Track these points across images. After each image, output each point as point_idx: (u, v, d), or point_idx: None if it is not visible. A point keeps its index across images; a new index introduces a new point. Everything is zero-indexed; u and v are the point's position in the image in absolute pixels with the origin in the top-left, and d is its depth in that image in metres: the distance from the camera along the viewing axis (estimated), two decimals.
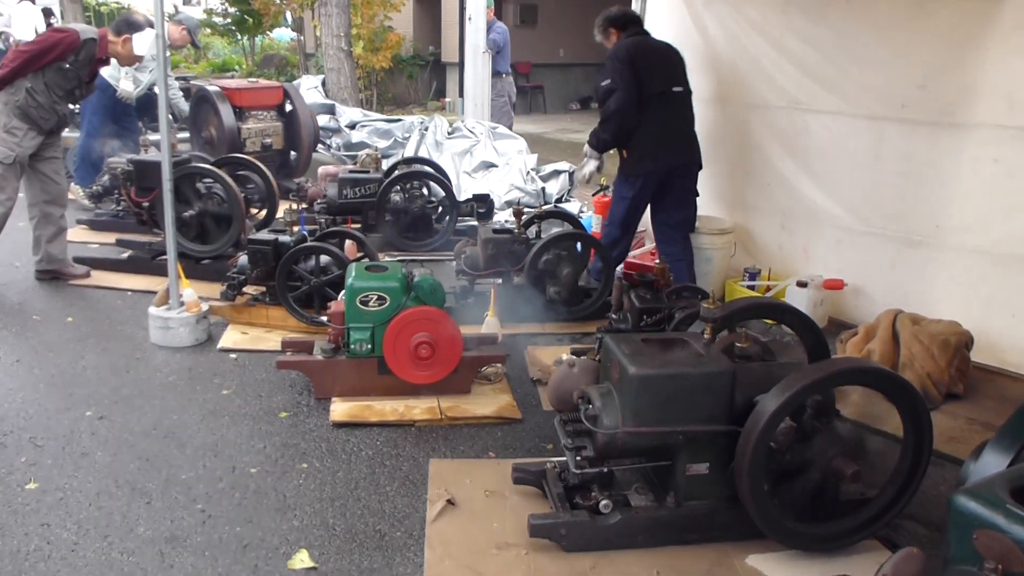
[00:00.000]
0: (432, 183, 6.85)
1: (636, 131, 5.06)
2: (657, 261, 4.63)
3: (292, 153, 8.58)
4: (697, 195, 5.38)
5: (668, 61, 5.24)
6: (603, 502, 2.91)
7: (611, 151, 5.45)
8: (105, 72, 6.95)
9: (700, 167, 5.35)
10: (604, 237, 5.47)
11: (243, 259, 5.08)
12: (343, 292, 4.08)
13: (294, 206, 5.50)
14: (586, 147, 5.44)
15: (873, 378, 2.90)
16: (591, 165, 5.44)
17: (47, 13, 12.91)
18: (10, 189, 5.42)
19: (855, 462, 2.80)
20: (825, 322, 5.08)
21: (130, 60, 5.64)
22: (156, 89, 4.62)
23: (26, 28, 10.13)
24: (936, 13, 4.55)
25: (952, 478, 3.31)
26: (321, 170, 7.36)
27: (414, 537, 3.01)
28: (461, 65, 12.58)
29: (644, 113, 5.03)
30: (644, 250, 6.26)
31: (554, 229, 5.65)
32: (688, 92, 5.27)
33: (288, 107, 8.48)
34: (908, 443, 2.87)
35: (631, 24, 5.39)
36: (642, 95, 5.00)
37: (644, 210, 5.42)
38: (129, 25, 5.41)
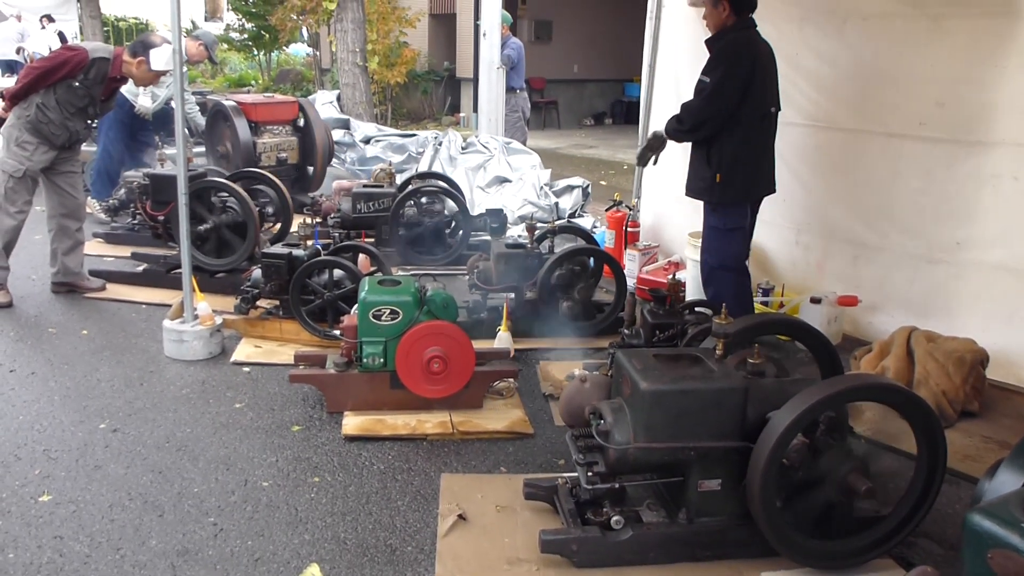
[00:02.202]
0: (446, 198, 6.87)
1: (739, 151, 4.47)
2: (670, 277, 4.62)
3: (307, 168, 8.63)
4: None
5: (774, 75, 4.68)
6: (615, 518, 2.89)
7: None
8: (123, 87, 7.02)
9: None
10: (728, 286, 4.65)
11: (257, 273, 5.10)
12: (356, 306, 4.09)
13: (308, 220, 5.54)
14: (662, 132, 4.86)
15: (887, 395, 2.88)
16: (654, 150, 5.02)
17: (61, 37, 13.13)
18: (21, 202, 5.48)
19: (868, 479, 2.78)
20: (839, 339, 5.06)
21: (145, 81, 5.69)
22: (173, 104, 4.66)
23: (41, 46, 10.29)
24: (954, 31, 4.55)
25: (967, 496, 3.28)
26: (335, 184, 7.40)
27: (425, 552, 3.01)
28: (475, 80, 12.65)
29: (747, 132, 4.48)
30: (657, 265, 6.25)
31: (567, 244, 5.65)
32: (779, 110, 4.72)
33: (303, 122, 8.53)
34: (922, 461, 2.84)
35: (751, 8, 4.58)
36: (748, 111, 4.44)
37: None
38: (145, 47, 5.46)
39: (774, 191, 4.81)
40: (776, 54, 5.42)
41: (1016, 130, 4.35)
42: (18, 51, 13.42)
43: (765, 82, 4.50)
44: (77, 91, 5.34)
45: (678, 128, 4.63)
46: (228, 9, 22.37)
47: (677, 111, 4.68)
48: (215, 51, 8.34)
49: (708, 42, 4.61)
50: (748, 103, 4.41)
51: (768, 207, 5.69)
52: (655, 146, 5.03)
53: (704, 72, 4.49)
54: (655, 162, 5.15)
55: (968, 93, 4.52)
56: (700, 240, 5.52)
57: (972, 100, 4.52)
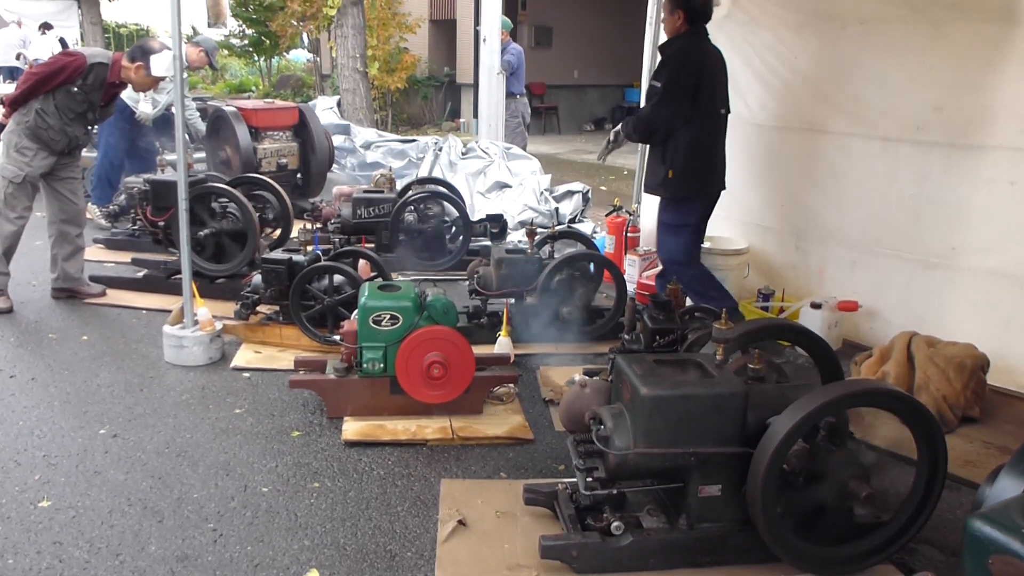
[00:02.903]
0: (446, 203, 6.88)
1: (690, 150, 4.74)
2: (670, 282, 4.62)
3: (307, 173, 8.64)
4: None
5: (724, 79, 4.96)
6: (615, 524, 2.89)
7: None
8: (123, 94, 7.02)
9: None
10: (684, 279, 4.85)
11: (257, 278, 5.10)
12: (356, 311, 4.09)
13: (308, 226, 5.54)
14: (620, 131, 5.15)
15: (887, 400, 2.88)
16: (617, 147, 5.33)
17: (63, 43, 13.19)
18: (21, 207, 5.48)
19: (869, 484, 2.78)
20: (839, 344, 5.05)
21: (144, 86, 5.69)
22: (173, 110, 4.67)
23: (43, 52, 10.32)
24: (952, 35, 4.55)
25: (968, 502, 3.27)
26: (336, 190, 7.40)
27: (425, 558, 3.00)
28: (476, 86, 12.66)
29: (698, 131, 4.75)
30: (657, 270, 6.24)
31: (567, 249, 5.65)
32: (729, 112, 5.01)
33: (304, 127, 8.55)
34: (923, 466, 2.84)
35: (704, 19, 4.86)
36: (698, 112, 4.71)
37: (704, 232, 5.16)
38: (144, 52, 5.46)
39: (724, 188, 5.05)
40: (775, 59, 5.47)
41: (1013, 135, 4.36)
42: (18, 57, 13.44)
43: (713, 86, 4.80)
44: (76, 96, 5.35)
45: (632, 133, 5.01)
46: (229, 15, 22.40)
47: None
48: (215, 57, 8.36)
49: (660, 47, 5.00)
50: (697, 104, 4.70)
51: (767, 212, 5.72)
52: (616, 143, 5.32)
53: (654, 77, 4.85)
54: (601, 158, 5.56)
55: (966, 98, 4.53)
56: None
57: (969, 105, 4.52)
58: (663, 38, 6.35)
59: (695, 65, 4.71)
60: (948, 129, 4.63)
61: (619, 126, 5.19)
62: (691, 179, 4.82)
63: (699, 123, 4.76)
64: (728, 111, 4.96)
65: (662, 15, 5.05)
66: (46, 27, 16.01)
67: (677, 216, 4.94)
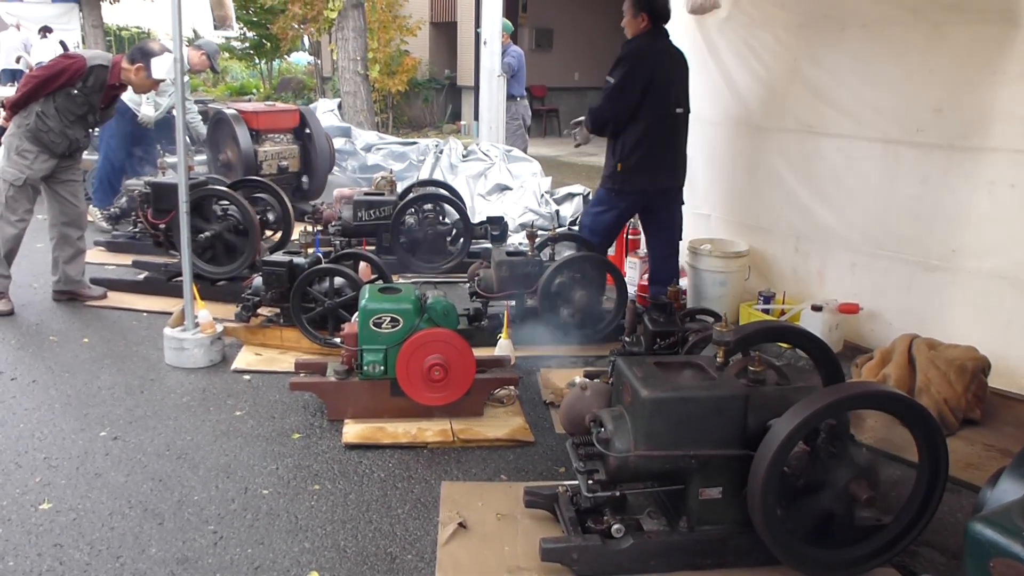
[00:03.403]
0: (446, 205, 6.88)
1: (637, 145, 5.01)
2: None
3: (308, 176, 8.64)
4: (683, 203, 5.46)
5: (682, 79, 5.19)
6: (615, 526, 2.88)
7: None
8: (125, 96, 7.03)
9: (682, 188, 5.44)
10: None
11: (258, 281, 5.11)
12: (356, 314, 4.09)
13: (309, 228, 5.54)
14: (584, 124, 5.39)
15: (888, 403, 2.87)
16: (584, 136, 5.49)
17: (63, 46, 13.20)
18: (22, 210, 5.49)
19: (870, 487, 2.77)
20: (840, 346, 5.05)
21: (144, 88, 5.70)
22: (175, 112, 4.68)
23: (44, 56, 10.35)
24: (952, 37, 4.55)
25: (969, 505, 3.27)
26: (336, 192, 7.41)
27: (425, 560, 3.00)
28: (476, 88, 12.67)
29: (647, 128, 4.98)
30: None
31: (568, 252, 5.65)
32: (689, 112, 5.24)
33: (305, 130, 8.56)
34: (924, 469, 2.84)
35: (665, 20, 5.10)
36: (648, 110, 4.95)
37: (626, 223, 5.62)
38: (144, 54, 5.47)
39: (681, 184, 5.37)
40: (775, 61, 5.47)
41: (1014, 137, 4.35)
42: (18, 60, 13.46)
43: (667, 85, 5.01)
44: (76, 99, 5.35)
45: (588, 124, 5.26)
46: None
47: None
48: (216, 60, 8.37)
49: (622, 46, 5.16)
50: (649, 102, 4.94)
51: (766, 214, 5.72)
52: (583, 135, 5.53)
53: (610, 72, 5.05)
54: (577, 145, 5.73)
55: (966, 99, 4.53)
56: (701, 247, 5.56)
57: (970, 107, 4.52)
58: None
59: (649, 65, 4.94)
60: (948, 131, 4.62)
61: (584, 122, 5.44)
62: (637, 174, 5.08)
63: (649, 121, 4.99)
64: (687, 110, 5.19)
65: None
66: (46, 31, 16.03)
67: (610, 201, 5.27)
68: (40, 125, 5.32)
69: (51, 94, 5.32)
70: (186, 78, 5.38)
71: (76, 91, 5.34)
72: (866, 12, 4.95)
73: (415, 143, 10.59)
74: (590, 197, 8.71)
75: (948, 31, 4.56)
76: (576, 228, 7.91)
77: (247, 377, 4.66)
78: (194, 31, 20.19)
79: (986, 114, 4.45)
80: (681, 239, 5.48)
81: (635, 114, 4.97)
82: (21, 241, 5.59)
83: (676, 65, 5.13)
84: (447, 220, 6.86)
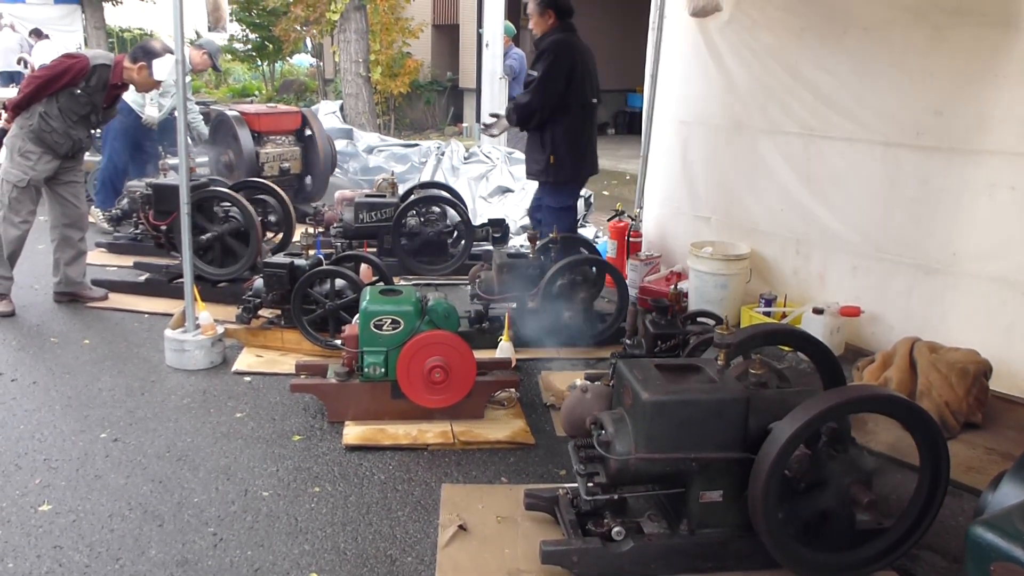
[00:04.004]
0: (448, 208, 6.88)
1: (567, 135, 5.26)
2: (672, 287, 4.62)
3: (309, 177, 8.65)
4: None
5: (594, 70, 5.48)
6: (615, 529, 2.88)
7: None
8: (128, 97, 7.04)
9: None
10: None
11: (259, 282, 5.11)
12: (357, 316, 4.09)
13: (311, 230, 5.54)
14: (505, 113, 5.56)
15: (890, 406, 2.87)
16: (503, 128, 5.69)
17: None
18: (25, 212, 5.49)
19: (871, 490, 2.77)
20: (842, 349, 5.04)
21: (146, 87, 5.71)
22: (177, 113, 4.69)
23: (44, 57, 10.37)
24: (953, 40, 4.54)
25: (970, 508, 3.27)
26: (338, 194, 7.41)
27: (425, 563, 2.99)
28: (478, 91, 12.67)
29: (573, 118, 5.22)
30: (659, 275, 6.25)
31: (569, 254, 5.64)
32: (599, 103, 5.57)
33: (306, 132, 8.56)
34: (925, 472, 2.83)
35: (569, 15, 5.36)
36: (573, 100, 5.20)
37: None
38: (146, 53, 5.48)
39: (596, 172, 5.73)
40: (776, 64, 5.47)
41: (1014, 140, 4.34)
42: (19, 61, 13.47)
43: (584, 76, 5.29)
44: (79, 99, 5.35)
45: (512, 118, 5.40)
46: (232, 19, 22.43)
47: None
48: (218, 59, 8.38)
49: (536, 43, 5.38)
50: (572, 93, 5.20)
51: (767, 216, 5.72)
52: (501, 126, 5.80)
53: (532, 67, 5.26)
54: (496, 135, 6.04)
55: (967, 102, 4.52)
56: (702, 250, 5.56)
57: (970, 109, 4.51)
58: (666, 43, 6.45)
59: (570, 55, 5.17)
60: (949, 134, 4.62)
61: (503, 110, 5.64)
62: (570, 164, 5.37)
63: (574, 111, 5.28)
64: (599, 100, 5.54)
65: (530, 17, 5.48)
66: (37, 34, 16.02)
67: (561, 199, 5.48)
68: (43, 126, 5.32)
69: (54, 94, 5.32)
70: (188, 78, 5.38)
71: (79, 91, 5.34)
72: (867, 15, 4.95)
73: (417, 145, 10.59)
74: (592, 200, 8.71)
75: (949, 34, 4.56)
76: (577, 231, 7.95)
77: (248, 379, 4.66)
78: (196, 32, 20.24)
79: (986, 117, 4.45)
80: None
81: (562, 104, 5.21)
82: (24, 243, 5.59)
83: (589, 57, 5.40)
84: (448, 222, 6.86)
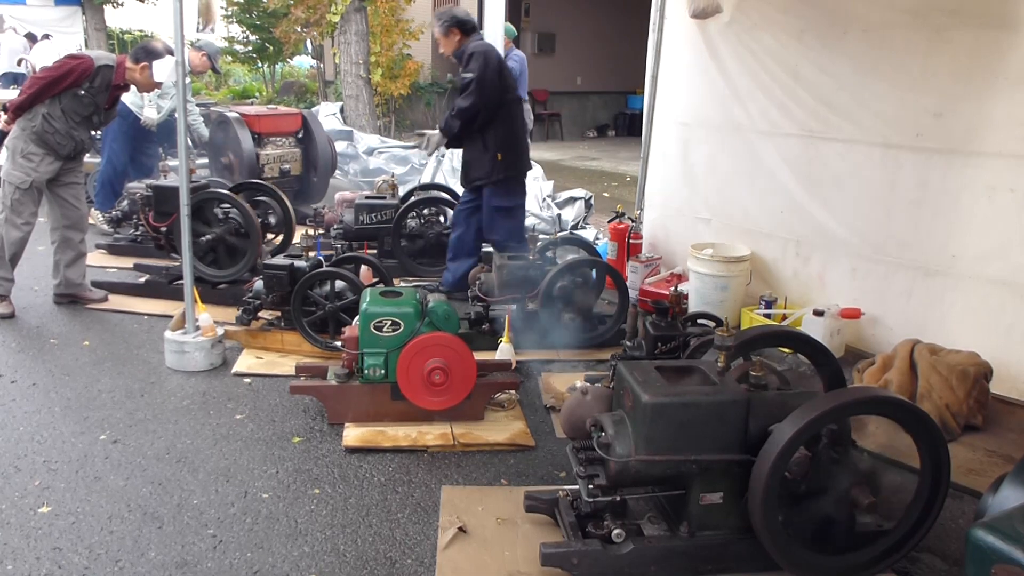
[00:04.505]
0: (448, 209, 6.87)
1: (508, 132, 5.44)
2: (672, 289, 4.62)
3: (309, 179, 8.65)
4: None
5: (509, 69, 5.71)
6: (616, 531, 2.88)
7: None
8: (127, 99, 7.04)
9: None
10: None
11: (259, 284, 5.11)
12: (357, 317, 4.09)
13: (311, 232, 5.54)
14: (440, 126, 5.62)
15: (890, 408, 2.87)
16: (438, 142, 5.68)
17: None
18: (27, 213, 5.49)
19: (871, 493, 2.76)
20: (842, 351, 5.04)
21: (148, 87, 5.71)
22: (177, 115, 4.69)
23: (46, 59, 10.37)
24: (953, 42, 4.54)
25: (970, 511, 3.26)
26: (338, 196, 7.41)
27: (425, 565, 2.99)
28: None
29: (511, 116, 5.41)
30: (659, 277, 6.25)
31: (569, 256, 5.65)
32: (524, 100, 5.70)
33: (307, 134, 8.56)
34: (926, 475, 2.83)
35: (475, 31, 5.63)
36: (506, 98, 5.40)
37: None
38: (147, 53, 5.49)
39: (531, 167, 5.86)
40: (776, 65, 5.48)
41: (1013, 141, 4.34)
42: (20, 63, 13.46)
43: (510, 75, 5.53)
44: (83, 100, 5.36)
45: (452, 125, 5.44)
46: (232, 21, 22.43)
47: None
48: (218, 61, 8.38)
49: (456, 57, 5.57)
50: (506, 90, 5.39)
51: (767, 218, 5.72)
52: (438, 143, 5.80)
53: (463, 71, 5.35)
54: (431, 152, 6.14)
55: (966, 104, 4.52)
56: (703, 252, 5.55)
57: (970, 111, 4.51)
58: (666, 45, 6.46)
59: (495, 55, 5.36)
60: (948, 136, 4.62)
61: (437, 130, 5.67)
62: (515, 159, 5.49)
63: (509, 108, 5.47)
64: (524, 99, 5.68)
65: (439, 41, 5.67)
66: (31, 39, 16.00)
67: (512, 197, 5.53)
68: (46, 127, 5.32)
69: (57, 95, 5.32)
70: (187, 80, 5.38)
71: (83, 91, 5.34)
72: (867, 17, 4.95)
73: (417, 147, 10.59)
74: (592, 202, 8.72)
75: (949, 36, 4.56)
76: (578, 232, 7.95)
77: (248, 380, 4.65)
78: (192, 42, 20.25)
79: (986, 119, 4.44)
80: None
81: (501, 101, 5.39)
82: (26, 244, 5.59)
83: (503, 59, 5.64)
84: (449, 224, 6.85)
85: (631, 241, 6.55)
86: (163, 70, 5.45)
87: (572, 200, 8.71)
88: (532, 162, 5.68)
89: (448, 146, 5.77)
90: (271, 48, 21.28)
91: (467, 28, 5.56)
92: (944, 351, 4.31)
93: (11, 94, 9.10)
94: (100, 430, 3.99)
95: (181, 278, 5.12)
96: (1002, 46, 4.34)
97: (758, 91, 5.67)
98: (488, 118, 5.41)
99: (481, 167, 5.54)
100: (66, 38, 16.99)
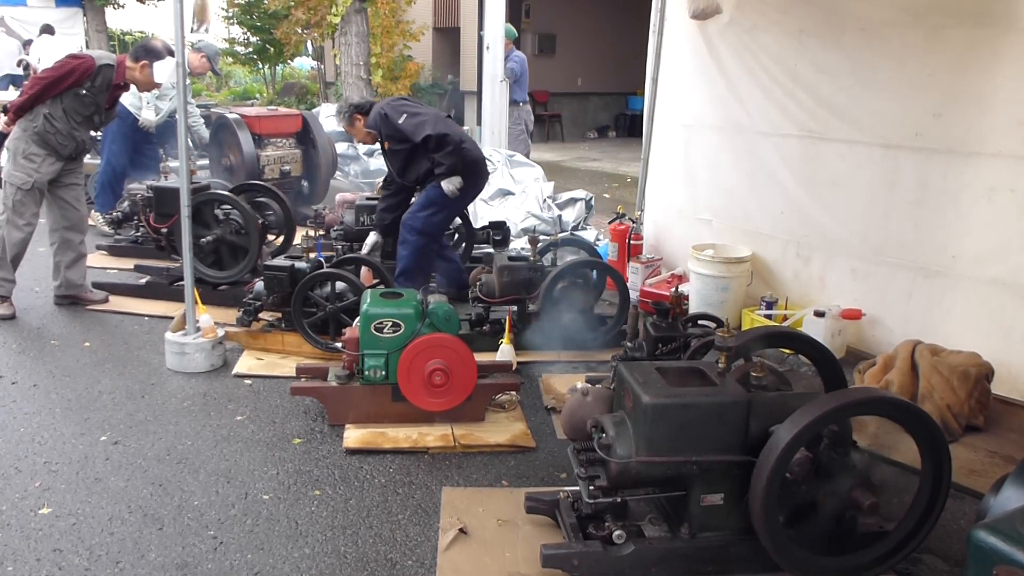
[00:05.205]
0: None
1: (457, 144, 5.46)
2: (673, 290, 4.61)
3: (310, 180, 8.65)
4: None
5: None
6: (616, 532, 2.87)
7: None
8: (125, 100, 7.04)
9: None
10: (414, 249, 5.54)
11: (259, 285, 5.10)
12: (358, 318, 4.09)
13: (311, 233, 5.53)
14: (444, 172, 5.51)
15: (891, 409, 2.86)
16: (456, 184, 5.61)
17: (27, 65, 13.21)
18: (29, 214, 5.49)
19: (872, 494, 2.76)
20: (843, 352, 5.03)
21: (148, 86, 5.72)
22: (176, 116, 4.70)
23: (50, 55, 10.35)
24: (951, 41, 4.54)
25: (972, 512, 3.25)
26: (338, 197, 7.39)
27: (426, 566, 2.99)
28: (479, 93, 12.65)
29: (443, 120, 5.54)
30: (660, 278, 6.25)
31: (570, 257, 5.64)
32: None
33: (307, 135, 8.56)
34: (927, 476, 2.82)
35: (372, 107, 5.76)
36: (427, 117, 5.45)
37: None
38: (147, 51, 5.49)
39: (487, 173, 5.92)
40: (775, 66, 5.48)
41: (1013, 142, 4.33)
42: (19, 63, 13.46)
43: (409, 105, 5.65)
44: (84, 99, 5.36)
45: (452, 166, 5.39)
46: (233, 23, 22.43)
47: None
48: (217, 63, 8.38)
49: (368, 136, 5.81)
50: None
51: (767, 219, 5.71)
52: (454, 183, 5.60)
53: (393, 131, 5.47)
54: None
55: (965, 104, 4.51)
56: (703, 253, 5.55)
57: (969, 111, 4.51)
58: (666, 46, 6.46)
59: (393, 108, 5.50)
60: (948, 136, 4.61)
61: (447, 183, 5.50)
62: (464, 169, 5.46)
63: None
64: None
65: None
66: (46, 30, 16.00)
67: (445, 198, 5.49)
68: (47, 127, 5.32)
69: (59, 95, 5.32)
70: (187, 81, 5.38)
71: (84, 91, 5.34)
72: (865, 16, 4.95)
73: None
74: (593, 203, 8.71)
75: (947, 35, 4.56)
76: (578, 233, 7.95)
77: (248, 382, 4.65)
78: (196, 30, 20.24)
79: (985, 119, 4.44)
80: None
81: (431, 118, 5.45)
82: (27, 246, 5.59)
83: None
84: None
85: (632, 242, 6.54)
86: (164, 71, 5.46)
87: (573, 201, 8.69)
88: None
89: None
90: (272, 49, 21.31)
91: (365, 109, 5.78)
92: (945, 352, 4.31)
93: (10, 96, 9.10)
94: (101, 431, 3.99)
95: (182, 279, 5.12)
96: (1001, 45, 4.33)
97: (758, 92, 5.67)
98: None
99: (429, 171, 5.57)
100: (67, 39, 16.99)
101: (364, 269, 5.31)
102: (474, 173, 5.57)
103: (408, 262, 5.52)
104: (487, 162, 5.82)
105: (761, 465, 2.66)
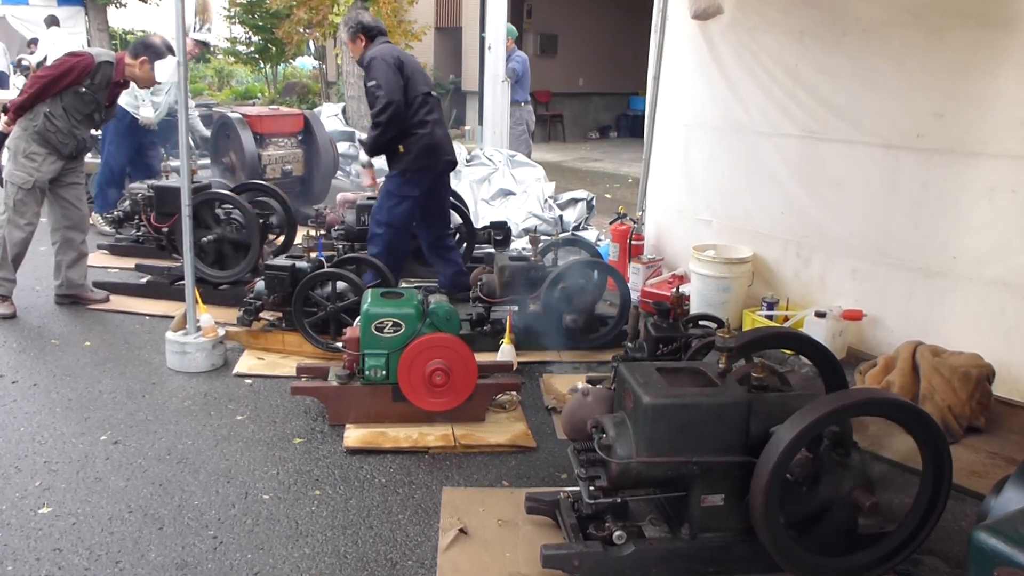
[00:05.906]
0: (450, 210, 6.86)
1: (411, 128, 5.40)
2: (673, 290, 4.61)
3: (311, 180, 8.65)
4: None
5: (421, 67, 5.71)
6: (617, 533, 2.87)
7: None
8: (122, 100, 7.04)
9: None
10: (383, 243, 5.54)
11: (260, 285, 5.10)
12: (359, 318, 4.08)
13: (312, 232, 5.53)
14: (363, 158, 5.66)
15: (892, 409, 2.86)
16: (366, 165, 5.75)
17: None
18: (30, 214, 5.49)
19: (873, 494, 2.76)
20: (844, 353, 5.02)
21: (148, 82, 5.72)
22: (178, 114, 4.70)
23: (52, 48, 10.37)
24: (953, 42, 4.53)
25: (973, 513, 3.25)
26: (340, 197, 7.40)
27: (426, 566, 2.99)
28: (481, 93, 12.65)
29: (416, 112, 5.41)
30: (661, 279, 6.24)
31: (571, 257, 5.64)
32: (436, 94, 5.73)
33: (309, 134, 8.57)
34: (928, 477, 2.82)
35: (380, 36, 5.61)
36: (409, 96, 5.37)
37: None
38: (146, 48, 5.50)
39: (456, 162, 5.90)
40: (776, 67, 5.47)
41: (1014, 142, 4.32)
42: (19, 63, 13.48)
43: (415, 70, 5.52)
44: (84, 97, 5.36)
45: (379, 137, 5.39)
46: (235, 22, 22.45)
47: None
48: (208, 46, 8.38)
49: (359, 63, 5.62)
50: (408, 89, 5.38)
51: (768, 219, 5.70)
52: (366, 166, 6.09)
53: (367, 80, 5.39)
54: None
55: (966, 105, 4.50)
56: (704, 253, 5.55)
57: (970, 112, 4.49)
58: (668, 46, 6.45)
59: (391, 57, 5.35)
60: (949, 136, 4.60)
61: (363, 157, 5.76)
62: (416, 152, 5.41)
63: (408, 104, 5.40)
64: (435, 93, 5.71)
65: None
66: (52, 21, 16.01)
67: (402, 188, 5.49)
68: (48, 126, 5.32)
69: (59, 93, 5.32)
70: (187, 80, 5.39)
71: (84, 89, 5.34)
72: (867, 17, 4.94)
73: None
74: (594, 203, 8.72)
75: (948, 36, 4.55)
76: (580, 233, 7.95)
77: (249, 381, 4.65)
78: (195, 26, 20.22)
79: (986, 119, 4.43)
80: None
81: (405, 99, 5.36)
82: (28, 245, 5.59)
83: (410, 59, 5.59)
84: (450, 225, 6.84)
85: (633, 242, 6.55)
86: (165, 70, 5.46)
87: (574, 201, 8.70)
88: (440, 152, 5.61)
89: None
90: (273, 49, 21.35)
91: (372, 34, 5.57)
92: (946, 353, 4.30)
93: (10, 95, 9.11)
94: (101, 431, 3.99)
95: (183, 279, 5.12)
96: (1002, 45, 4.32)
97: (758, 92, 5.66)
98: (402, 117, 5.36)
99: (389, 156, 5.57)
100: (69, 38, 17.00)
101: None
102: (427, 155, 5.48)
103: (381, 258, 5.46)
104: (451, 147, 5.77)
105: (762, 466, 2.65)
